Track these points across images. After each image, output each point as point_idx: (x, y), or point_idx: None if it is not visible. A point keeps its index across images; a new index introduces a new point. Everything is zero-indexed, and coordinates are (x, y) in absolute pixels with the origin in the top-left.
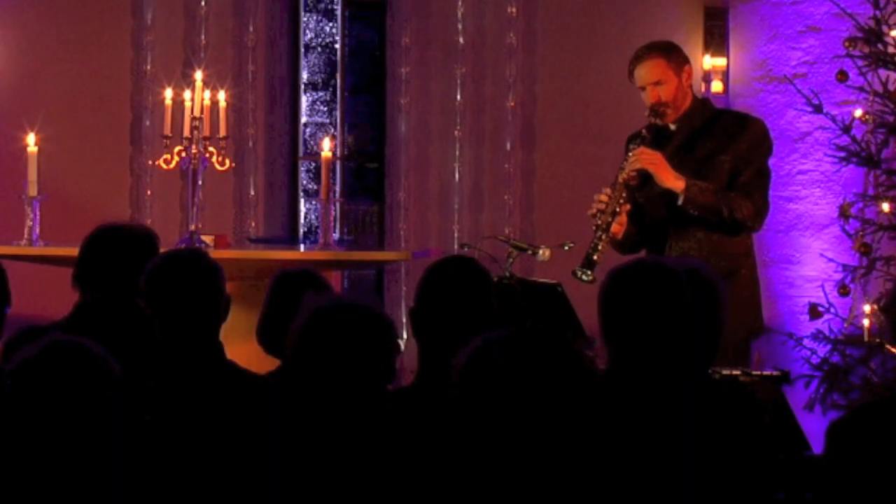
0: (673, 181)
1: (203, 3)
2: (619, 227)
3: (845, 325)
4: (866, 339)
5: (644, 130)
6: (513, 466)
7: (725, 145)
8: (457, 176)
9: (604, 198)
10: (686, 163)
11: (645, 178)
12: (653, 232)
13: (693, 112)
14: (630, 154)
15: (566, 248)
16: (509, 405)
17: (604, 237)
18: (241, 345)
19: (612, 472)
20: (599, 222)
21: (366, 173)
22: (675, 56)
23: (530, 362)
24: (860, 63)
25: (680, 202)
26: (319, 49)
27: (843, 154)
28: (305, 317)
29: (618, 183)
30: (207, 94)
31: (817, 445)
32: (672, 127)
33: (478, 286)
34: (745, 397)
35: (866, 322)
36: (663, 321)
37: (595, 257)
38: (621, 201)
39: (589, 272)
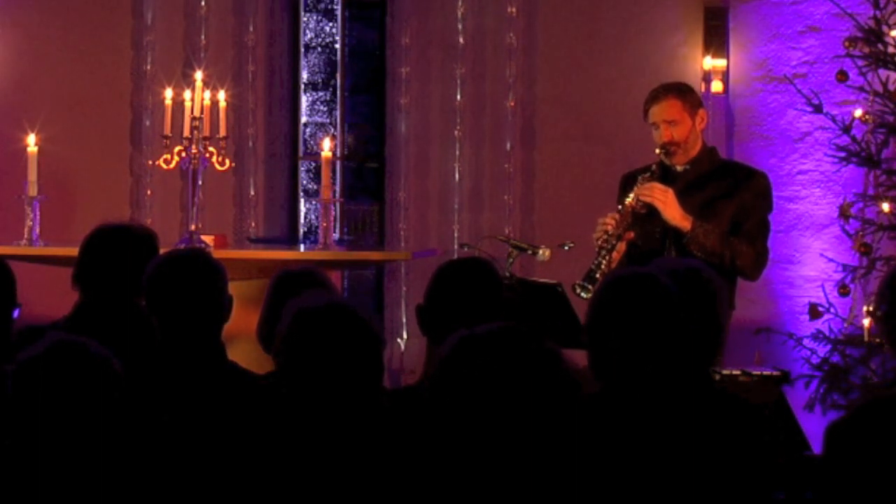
0: (680, 220)
1: (203, 3)
2: (616, 254)
3: (845, 325)
4: (866, 339)
5: (654, 166)
6: (484, 461)
7: (730, 193)
8: (457, 176)
9: (611, 221)
10: (690, 205)
11: (649, 210)
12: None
13: (702, 157)
14: (641, 185)
15: (566, 248)
16: (482, 401)
17: (608, 257)
18: (241, 345)
19: (606, 473)
20: (604, 244)
21: (366, 173)
22: (690, 98)
23: (506, 359)
24: (860, 63)
25: (684, 241)
26: (319, 49)
27: (843, 154)
28: (287, 320)
29: (626, 209)
30: (207, 94)
31: (817, 445)
32: (678, 168)
33: (490, 289)
34: (744, 398)
35: (866, 322)
36: (650, 332)
37: (598, 275)
38: (627, 227)
39: (590, 287)
